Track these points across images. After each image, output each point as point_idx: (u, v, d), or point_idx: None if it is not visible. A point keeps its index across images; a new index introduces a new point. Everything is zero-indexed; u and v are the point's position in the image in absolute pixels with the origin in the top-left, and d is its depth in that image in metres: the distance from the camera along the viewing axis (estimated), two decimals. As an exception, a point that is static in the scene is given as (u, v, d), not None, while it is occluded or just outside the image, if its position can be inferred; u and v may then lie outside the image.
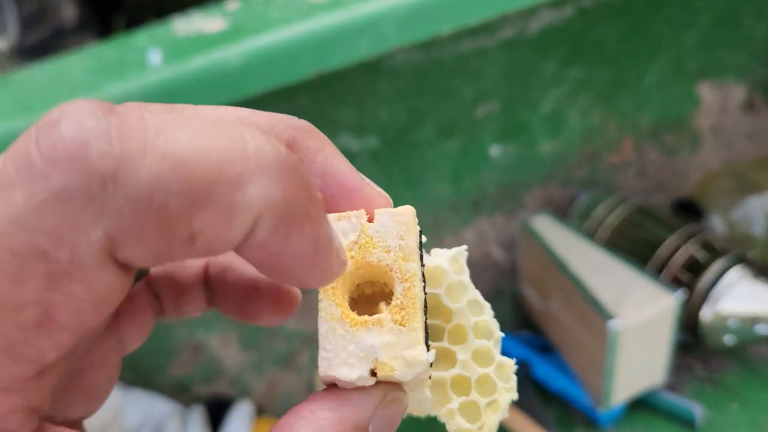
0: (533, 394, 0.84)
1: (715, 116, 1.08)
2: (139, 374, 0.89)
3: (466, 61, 0.90)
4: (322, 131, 0.28)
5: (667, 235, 0.84)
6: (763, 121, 1.08)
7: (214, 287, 0.30)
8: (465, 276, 0.30)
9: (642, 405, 0.82)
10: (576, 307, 0.78)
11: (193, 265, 0.30)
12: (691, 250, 0.81)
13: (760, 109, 1.09)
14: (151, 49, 0.66)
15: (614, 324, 0.71)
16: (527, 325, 0.94)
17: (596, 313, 0.73)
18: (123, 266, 0.19)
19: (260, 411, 0.92)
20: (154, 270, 0.30)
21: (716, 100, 1.07)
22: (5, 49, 0.96)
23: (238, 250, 0.20)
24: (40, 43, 1.05)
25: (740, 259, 0.79)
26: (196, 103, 0.27)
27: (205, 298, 0.31)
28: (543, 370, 0.84)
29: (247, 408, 0.84)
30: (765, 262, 0.93)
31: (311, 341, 0.95)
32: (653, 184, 1.06)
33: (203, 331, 0.91)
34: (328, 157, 0.25)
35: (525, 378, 0.86)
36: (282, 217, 0.20)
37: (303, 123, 0.25)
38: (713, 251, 0.80)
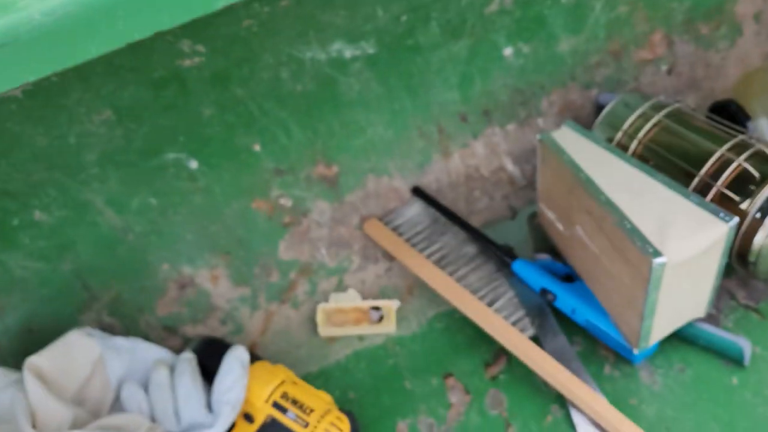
0: (556, 328, 0.71)
1: (760, 0, 0.88)
2: (120, 318, 0.76)
3: (477, -57, 0.71)
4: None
5: (712, 146, 0.67)
6: (814, 5, 0.89)
7: None
8: None
9: (680, 338, 0.69)
10: (609, 237, 0.63)
11: None
12: (741, 163, 0.65)
13: (811, -9, 0.89)
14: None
15: (659, 261, 0.56)
16: (546, 248, 0.79)
17: (636, 246, 0.58)
18: None
19: (255, 349, 0.79)
20: None
21: (761, -18, 0.88)
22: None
23: None
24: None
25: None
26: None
27: None
28: (568, 301, 0.71)
29: (241, 354, 0.70)
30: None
31: (308, 272, 0.81)
32: (686, 83, 0.88)
33: (189, 266, 0.76)
34: None
35: (547, 311, 0.72)
36: None
37: None
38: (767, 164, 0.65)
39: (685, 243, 0.58)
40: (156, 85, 0.62)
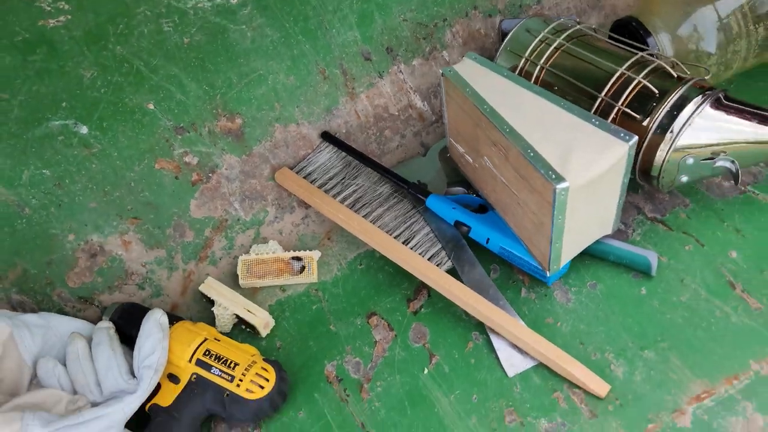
0: (473, 259, 0.70)
1: None
2: (31, 294, 0.70)
3: None
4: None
5: (612, 66, 0.65)
6: None
7: None
8: None
9: (591, 256, 0.69)
10: (515, 166, 0.61)
11: None
12: (641, 81, 0.63)
13: None
14: None
15: (562, 186, 0.55)
16: (459, 181, 0.77)
17: (540, 173, 0.56)
18: None
19: (176, 309, 0.76)
20: None
21: None
22: None
23: None
24: None
25: (698, 89, 0.62)
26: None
27: None
28: (482, 231, 0.69)
29: (159, 316, 0.67)
30: (720, 81, 0.76)
31: (223, 227, 0.77)
32: (588, 2, 0.86)
33: (96, 234, 0.71)
34: None
35: (463, 243, 0.71)
36: None
37: None
38: (667, 80, 0.63)
39: (586, 166, 0.56)
40: (21, 50, 0.56)
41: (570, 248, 0.63)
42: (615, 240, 0.67)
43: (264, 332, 0.71)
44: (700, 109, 0.60)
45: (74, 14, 0.56)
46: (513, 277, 0.70)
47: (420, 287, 0.71)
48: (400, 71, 0.79)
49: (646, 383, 0.58)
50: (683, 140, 0.61)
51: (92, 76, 0.62)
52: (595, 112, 0.66)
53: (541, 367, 0.62)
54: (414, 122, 0.82)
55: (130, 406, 0.60)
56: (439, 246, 0.70)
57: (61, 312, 0.71)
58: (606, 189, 0.60)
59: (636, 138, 0.57)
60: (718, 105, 0.61)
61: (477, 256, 0.70)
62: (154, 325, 0.64)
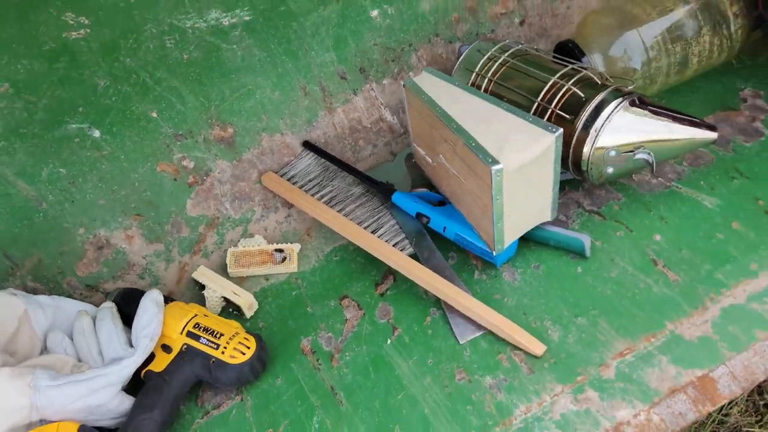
0: (432, 246, 0.79)
1: (593, -44, 0.98)
2: (44, 281, 0.80)
3: None
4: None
5: (547, 78, 0.76)
6: (639, -44, 0.99)
7: None
8: None
9: (533, 241, 0.78)
10: (462, 157, 0.71)
11: None
12: (571, 87, 0.74)
13: (635, -55, 0.99)
14: None
15: (496, 168, 0.65)
16: (424, 182, 0.87)
17: (480, 159, 0.66)
18: None
19: (171, 296, 0.85)
20: None
21: (593, -60, 0.97)
22: None
23: None
24: None
25: (618, 93, 0.72)
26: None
27: None
28: (439, 221, 0.78)
29: (155, 295, 0.75)
30: (648, 94, 0.87)
31: (215, 225, 0.86)
32: (537, 32, 0.97)
33: (104, 229, 0.81)
34: None
35: (424, 232, 0.80)
36: None
37: None
38: (593, 88, 0.74)
39: (518, 152, 0.66)
40: (48, 58, 0.67)
41: (512, 230, 0.72)
42: (554, 226, 0.77)
43: (249, 313, 0.80)
44: (618, 109, 0.71)
45: (93, 28, 0.68)
46: (468, 262, 0.79)
47: (387, 273, 0.80)
48: (372, 89, 0.90)
49: (578, 344, 0.67)
50: (605, 135, 0.71)
51: (105, 84, 0.73)
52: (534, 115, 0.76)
53: (489, 335, 0.70)
54: (384, 134, 0.92)
55: (127, 368, 0.69)
56: (403, 236, 0.80)
57: (70, 298, 0.80)
58: (539, 175, 0.70)
59: (561, 130, 0.68)
60: (633, 106, 0.71)
61: (436, 245, 0.79)
62: (150, 302, 0.73)
